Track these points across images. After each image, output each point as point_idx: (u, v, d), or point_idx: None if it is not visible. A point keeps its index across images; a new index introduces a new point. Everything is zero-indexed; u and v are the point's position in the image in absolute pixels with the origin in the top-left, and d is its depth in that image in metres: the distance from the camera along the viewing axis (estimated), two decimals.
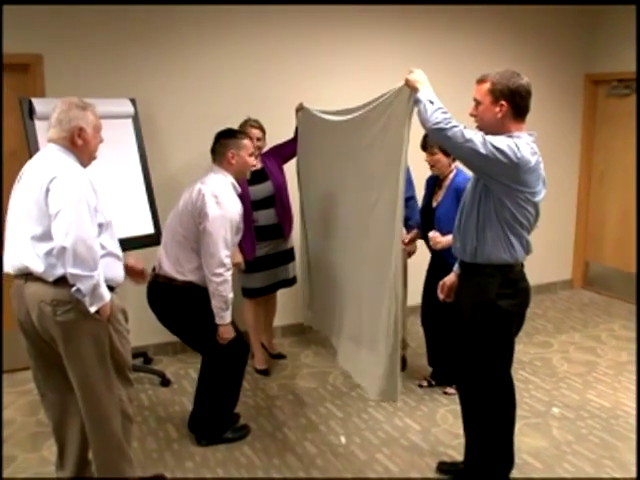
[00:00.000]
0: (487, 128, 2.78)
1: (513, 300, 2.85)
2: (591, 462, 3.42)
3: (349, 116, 3.56)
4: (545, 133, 5.91)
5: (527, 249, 2.86)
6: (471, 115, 2.86)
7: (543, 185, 2.81)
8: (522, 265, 2.90)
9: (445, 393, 4.18)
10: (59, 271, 2.61)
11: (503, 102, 2.72)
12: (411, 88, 2.86)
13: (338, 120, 3.71)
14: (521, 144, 2.67)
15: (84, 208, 2.59)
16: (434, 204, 4.00)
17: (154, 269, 3.59)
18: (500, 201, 2.74)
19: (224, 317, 3.40)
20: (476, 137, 2.66)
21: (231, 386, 3.63)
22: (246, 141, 3.60)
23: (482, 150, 2.63)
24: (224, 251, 3.35)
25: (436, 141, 3.62)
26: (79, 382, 2.79)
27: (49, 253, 2.62)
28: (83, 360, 2.74)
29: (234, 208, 3.45)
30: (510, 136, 2.72)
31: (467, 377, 3.06)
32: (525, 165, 2.66)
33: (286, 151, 4.42)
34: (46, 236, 2.62)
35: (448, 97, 5.33)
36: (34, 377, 3.00)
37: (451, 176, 3.93)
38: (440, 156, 3.85)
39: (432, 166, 3.93)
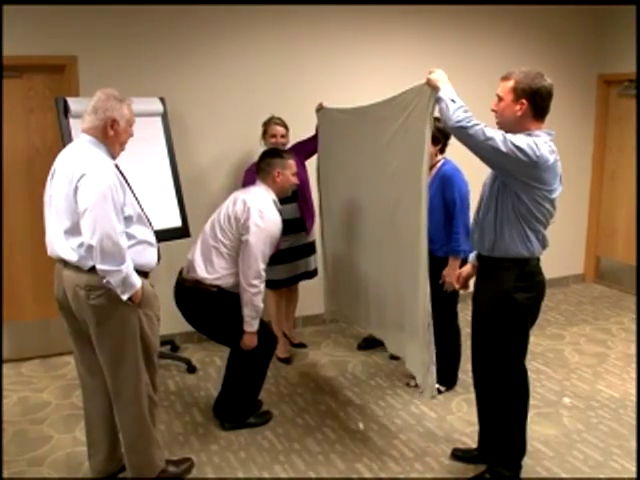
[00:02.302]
0: (506, 124, 2.82)
1: (529, 293, 2.90)
2: (600, 450, 3.48)
3: (368, 115, 3.65)
4: (559, 132, 5.94)
5: (543, 243, 2.91)
6: (492, 110, 2.89)
7: (560, 183, 2.85)
8: (538, 259, 2.94)
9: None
10: (91, 262, 2.71)
11: (524, 101, 2.75)
12: (432, 87, 2.91)
13: (357, 119, 3.80)
14: (540, 143, 2.70)
15: (110, 205, 2.65)
16: None
17: (181, 272, 3.70)
18: (518, 197, 2.78)
19: (253, 325, 3.51)
20: (497, 135, 2.69)
21: (257, 374, 3.74)
22: (291, 161, 3.72)
23: (503, 148, 2.66)
24: (261, 264, 3.47)
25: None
26: (108, 364, 2.88)
27: (80, 246, 2.72)
28: (113, 342, 2.84)
29: (276, 225, 3.56)
30: (529, 134, 2.75)
31: (483, 367, 3.14)
32: (544, 163, 2.70)
33: (308, 147, 4.52)
34: (76, 231, 2.72)
35: (462, 96, 5.48)
36: (73, 355, 3.12)
37: (438, 165, 3.92)
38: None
39: None
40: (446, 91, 2.86)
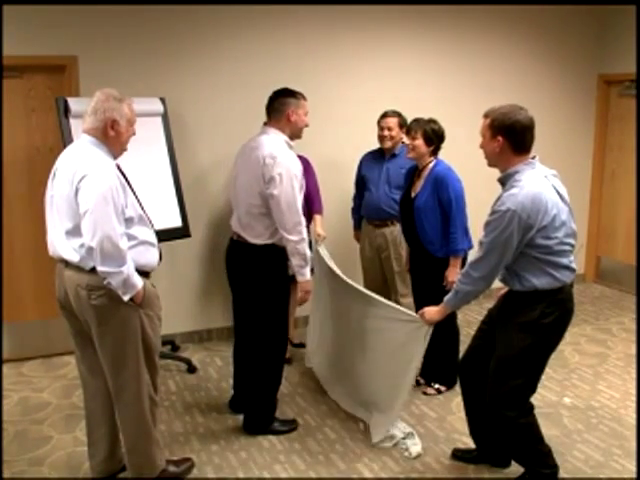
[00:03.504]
0: (491, 161, 2.89)
1: (556, 316, 2.86)
2: (601, 450, 3.49)
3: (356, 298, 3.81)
4: (559, 132, 6.06)
5: (570, 270, 2.86)
6: (480, 147, 2.93)
7: (562, 205, 2.85)
8: (571, 285, 2.91)
9: (424, 393, 4.15)
10: (92, 263, 2.71)
11: (499, 138, 2.77)
12: (439, 318, 3.14)
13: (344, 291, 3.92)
14: (520, 196, 2.70)
15: (110, 207, 2.65)
16: (412, 194, 3.96)
17: (232, 236, 3.65)
18: (529, 248, 2.79)
19: (305, 273, 3.45)
20: (488, 251, 2.78)
21: (274, 369, 3.67)
22: (304, 101, 3.56)
23: (499, 250, 2.75)
24: (295, 211, 3.36)
25: (420, 128, 3.80)
26: (109, 364, 2.89)
27: (82, 246, 2.73)
28: (114, 343, 2.84)
29: (294, 165, 3.40)
30: (513, 184, 2.77)
31: (480, 377, 3.09)
32: (535, 221, 2.73)
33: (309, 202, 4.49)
34: (78, 232, 2.72)
35: (462, 96, 5.52)
36: (74, 354, 3.12)
37: (430, 166, 3.90)
38: (420, 142, 3.84)
39: (411, 149, 3.90)
40: (446, 308, 3.09)
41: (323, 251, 4.20)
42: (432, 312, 3.15)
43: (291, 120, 3.50)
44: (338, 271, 4.01)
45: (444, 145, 4.00)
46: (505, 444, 3.16)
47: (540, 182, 2.78)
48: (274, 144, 3.42)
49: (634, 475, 3.27)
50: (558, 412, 3.93)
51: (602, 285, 6.52)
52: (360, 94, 5.22)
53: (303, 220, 3.42)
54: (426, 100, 5.43)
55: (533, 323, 2.83)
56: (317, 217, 4.53)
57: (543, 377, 4.26)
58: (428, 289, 3.96)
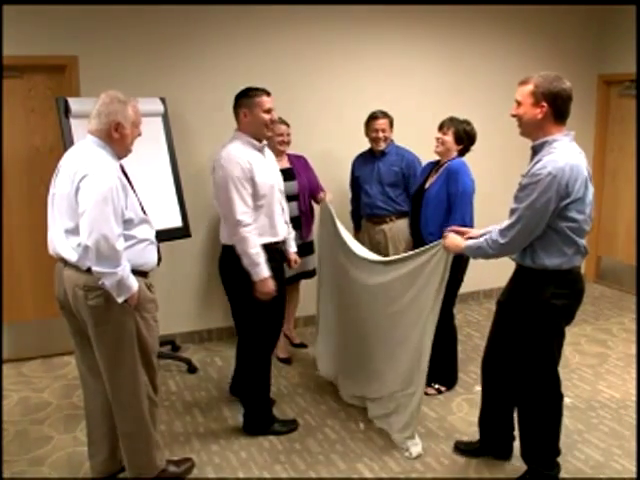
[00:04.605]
0: (526, 128, 2.85)
1: (567, 300, 2.88)
2: (601, 450, 3.49)
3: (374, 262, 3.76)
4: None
5: (583, 253, 2.87)
6: (512, 116, 2.89)
7: (587, 185, 2.80)
8: (579, 267, 2.92)
9: (425, 394, 3.97)
10: (89, 263, 2.72)
11: (544, 104, 2.75)
12: (454, 250, 3.11)
13: (361, 255, 3.86)
14: (560, 162, 2.69)
15: (109, 207, 2.65)
16: (426, 186, 3.99)
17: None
18: (560, 220, 2.78)
19: (257, 273, 3.37)
20: (521, 217, 2.75)
21: (260, 365, 3.64)
22: (260, 98, 3.44)
23: (527, 214, 2.74)
24: (236, 209, 3.32)
25: (453, 126, 3.81)
26: (106, 365, 2.89)
27: (79, 245, 2.73)
28: (110, 344, 2.85)
29: (236, 164, 3.35)
30: (548, 147, 2.77)
31: (502, 369, 3.14)
32: (571, 191, 2.71)
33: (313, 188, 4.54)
34: (76, 231, 2.73)
35: (463, 97, 5.51)
36: (74, 354, 3.13)
37: (449, 161, 3.93)
38: (450, 139, 3.87)
39: (440, 143, 3.91)
40: (467, 246, 3.02)
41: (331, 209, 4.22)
42: (454, 240, 3.11)
43: (245, 121, 3.47)
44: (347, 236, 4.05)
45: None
46: (526, 433, 3.16)
47: (578, 154, 2.79)
48: (229, 148, 3.43)
49: (634, 475, 3.27)
50: None
51: (602, 285, 6.51)
52: (358, 94, 5.23)
53: (244, 219, 3.34)
54: (426, 100, 5.44)
55: (545, 303, 2.84)
56: (322, 192, 4.52)
57: None
58: None
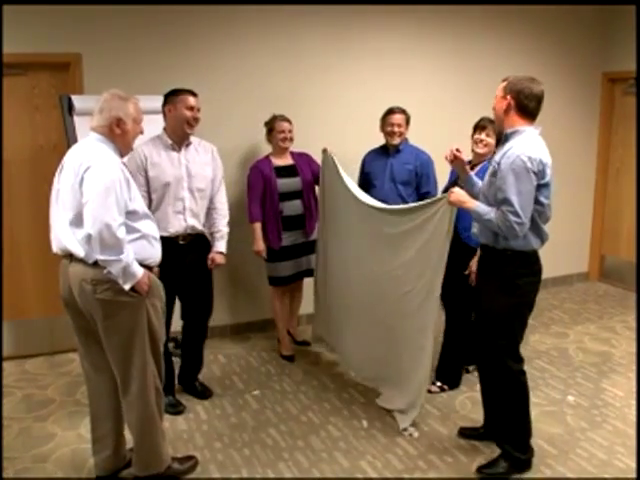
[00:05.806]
0: (497, 119, 3.13)
1: (530, 278, 3.10)
2: (604, 449, 3.49)
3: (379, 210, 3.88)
4: (564, 131, 6.04)
5: (542, 238, 3.08)
6: (492, 108, 3.15)
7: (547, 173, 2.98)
8: (537, 251, 3.12)
9: (428, 391, 4.00)
10: (95, 255, 2.74)
11: (508, 97, 3.01)
12: (458, 205, 3.18)
13: (366, 203, 3.97)
14: (528, 150, 2.90)
15: (112, 198, 2.69)
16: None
17: None
18: None
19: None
20: (516, 200, 2.89)
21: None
22: (183, 96, 3.70)
23: (517, 200, 2.89)
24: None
25: (494, 128, 3.79)
26: (116, 358, 2.90)
27: (84, 238, 2.76)
28: (121, 336, 2.86)
29: (133, 159, 3.57)
30: (517, 134, 2.98)
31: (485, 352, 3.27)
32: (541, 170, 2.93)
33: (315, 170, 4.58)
34: (80, 221, 2.76)
35: (467, 95, 5.51)
36: (78, 352, 3.13)
37: (484, 161, 3.89)
38: (493, 141, 3.83)
39: (484, 145, 3.87)
40: (472, 206, 3.10)
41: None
42: (460, 195, 3.17)
43: (169, 115, 3.72)
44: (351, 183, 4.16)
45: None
46: (493, 412, 3.38)
47: (542, 145, 3.01)
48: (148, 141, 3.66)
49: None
50: (562, 410, 3.93)
51: (606, 283, 6.50)
52: (363, 92, 5.22)
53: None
54: (430, 98, 5.43)
55: (509, 283, 3.05)
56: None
57: (547, 375, 4.36)
58: (456, 277, 3.87)
